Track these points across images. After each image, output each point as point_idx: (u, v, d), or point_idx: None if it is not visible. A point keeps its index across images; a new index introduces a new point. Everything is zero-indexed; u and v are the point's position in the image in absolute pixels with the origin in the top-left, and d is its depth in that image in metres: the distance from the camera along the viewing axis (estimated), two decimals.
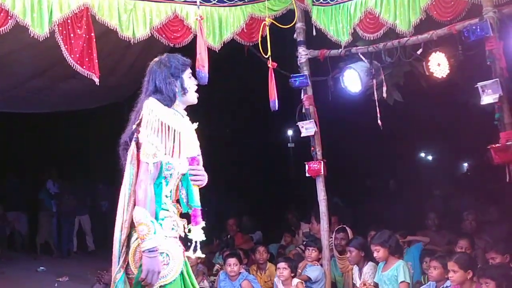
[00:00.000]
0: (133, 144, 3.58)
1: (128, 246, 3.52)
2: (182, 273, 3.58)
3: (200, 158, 3.79)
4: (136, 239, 3.47)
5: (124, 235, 3.52)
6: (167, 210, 3.61)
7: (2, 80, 8.51)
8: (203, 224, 3.75)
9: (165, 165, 3.56)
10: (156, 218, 3.50)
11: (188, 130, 3.70)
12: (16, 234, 13.33)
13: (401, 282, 6.07)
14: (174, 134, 3.56)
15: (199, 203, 3.70)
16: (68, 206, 12.98)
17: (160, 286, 3.46)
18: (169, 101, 3.65)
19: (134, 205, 3.51)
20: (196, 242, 3.71)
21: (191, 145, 3.71)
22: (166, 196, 3.61)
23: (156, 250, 3.38)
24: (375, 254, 6.30)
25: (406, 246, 7.62)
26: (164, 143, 3.52)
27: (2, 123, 12.23)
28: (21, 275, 10.56)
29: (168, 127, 3.55)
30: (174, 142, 3.57)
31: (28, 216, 13.31)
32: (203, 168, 3.77)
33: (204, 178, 3.75)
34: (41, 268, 11.13)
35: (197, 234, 3.72)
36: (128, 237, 3.53)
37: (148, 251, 3.36)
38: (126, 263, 3.52)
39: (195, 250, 3.71)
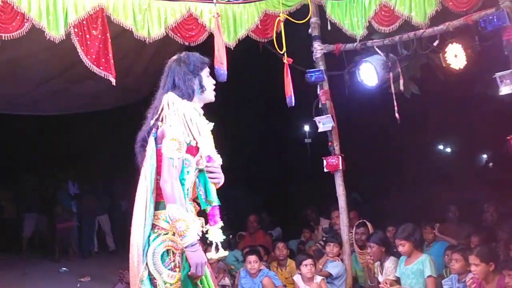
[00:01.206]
0: (151, 139, 3.57)
1: (148, 245, 3.49)
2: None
3: (218, 157, 3.76)
4: (156, 238, 3.47)
5: (147, 232, 3.49)
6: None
7: (19, 83, 8.57)
8: (221, 223, 3.71)
9: (184, 161, 3.52)
10: None
11: (205, 128, 3.68)
12: (36, 235, 13.45)
13: (428, 276, 6.04)
14: (195, 128, 3.53)
15: (217, 200, 3.66)
16: (88, 206, 13.07)
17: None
18: (187, 98, 3.64)
19: (157, 202, 3.51)
20: (216, 242, 3.67)
21: (208, 144, 3.68)
22: (186, 194, 3.55)
23: (197, 243, 3.38)
24: (400, 249, 6.25)
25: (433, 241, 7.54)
26: (186, 137, 3.49)
27: (22, 125, 12.36)
28: (43, 276, 10.64)
29: (190, 120, 3.53)
30: (193, 137, 3.53)
31: (48, 217, 13.41)
32: (219, 167, 3.73)
33: (221, 177, 3.71)
34: (63, 268, 11.21)
35: (216, 234, 3.66)
36: (149, 235, 3.51)
37: (190, 245, 3.36)
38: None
39: (217, 250, 3.67)
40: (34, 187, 13.47)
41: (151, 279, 3.46)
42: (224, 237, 3.67)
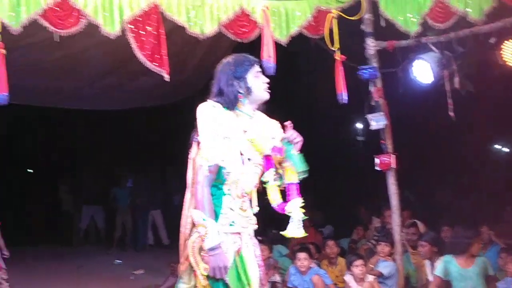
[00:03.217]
0: (194, 144, 3.68)
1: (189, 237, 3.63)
2: (237, 269, 3.61)
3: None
4: (196, 232, 3.56)
5: (188, 230, 3.64)
6: (224, 208, 3.63)
7: (75, 78, 8.76)
8: (299, 200, 3.74)
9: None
10: (217, 216, 3.56)
11: (253, 131, 3.70)
12: (91, 228, 13.76)
13: (489, 276, 6.05)
14: (224, 137, 3.56)
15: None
16: (142, 200, 13.29)
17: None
18: (230, 104, 3.66)
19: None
20: (293, 220, 3.71)
21: (263, 144, 3.71)
22: (225, 194, 3.63)
23: (218, 247, 3.45)
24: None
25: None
26: (219, 145, 3.54)
27: (82, 119, 12.66)
28: (98, 268, 10.88)
29: (217, 135, 3.55)
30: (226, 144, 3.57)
31: (105, 210, 13.71)
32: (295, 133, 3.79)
33: (300, 139, 3.79)
34: (117, 261, 11.44)
35: (293, 210, 3.71)
36: (190, 231, 3.63)
37: (209, 249, 3.45)
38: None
39: (292, 228, 3.72)
40: (93, 180, 13.78)
41: (193, 271, 3.56)
42: (304, 216, 3.71)
